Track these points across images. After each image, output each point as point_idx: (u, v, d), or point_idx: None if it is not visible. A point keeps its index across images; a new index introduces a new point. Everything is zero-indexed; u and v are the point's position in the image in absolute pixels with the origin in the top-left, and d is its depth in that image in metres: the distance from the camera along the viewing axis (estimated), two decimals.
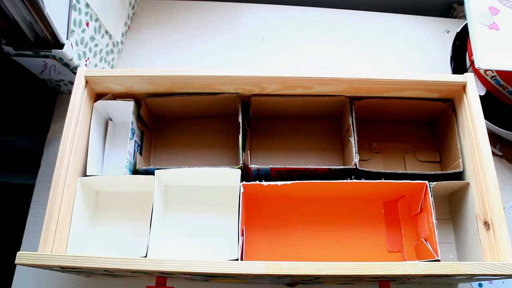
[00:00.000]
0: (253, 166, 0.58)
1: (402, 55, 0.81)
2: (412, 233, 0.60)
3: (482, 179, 0.53)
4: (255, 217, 0.62)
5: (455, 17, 0.87)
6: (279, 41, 0.82)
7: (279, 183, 0.56)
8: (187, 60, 0.80)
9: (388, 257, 0.59)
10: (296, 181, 0.56)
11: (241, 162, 0.58)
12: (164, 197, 0.62)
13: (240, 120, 0.61)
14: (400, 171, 0.58)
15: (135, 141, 0.63)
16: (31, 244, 0.65)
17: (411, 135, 0.68)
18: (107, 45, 0.74)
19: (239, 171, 0.57)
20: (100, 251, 0.59)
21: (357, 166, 0.57)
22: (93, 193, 0.62)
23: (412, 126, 0.69)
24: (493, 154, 0.58)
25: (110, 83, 0.60)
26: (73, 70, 0.66)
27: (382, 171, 0.58)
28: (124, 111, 0.63)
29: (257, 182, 0.56)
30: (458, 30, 0.76)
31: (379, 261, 0.48)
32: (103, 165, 0.64)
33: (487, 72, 0.66)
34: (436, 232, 0.53)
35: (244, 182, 0.56)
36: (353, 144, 0.59)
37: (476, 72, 0.67)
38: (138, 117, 0.64)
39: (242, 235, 0.54)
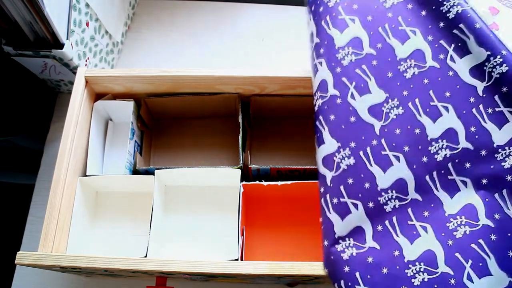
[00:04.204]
0: (253, 166, 0.58)
1: None
2: None
3: None
4: (255, 217, 0.62)
5: None
6: (279, 41, 0.82)
7: (279, 183, 0.56)
8: (187, 60, 0.80)
9: None
10: (296, 181, 0.56)
11: (241, 162, 0.58)
12: (164, 197, 0.62)
13: (240, 120, 0.61)
14: None
15: (135, 141, 0.63)
16: (31, 244, 0.65)
17: None
18: (107, 45, 0.74)
19: (239, 171, 0.57)
20: (100, 251, 0.59)
21: None
22: (93, 193, 0.62)
23: None
24: None
25: (110, 83, 0.60)
26: (73, 70, 0.66)
27: None
28: (124, 111, 0.63)
29: (257, 182, 0.56)
30: None
31: None
32: (103, 165, 0.64)
33: None
34: None
35: (244, 182, 0.56)
36: None
37: None
38: (138, 117, 0.64)
39: (242, 235, 0.54)
